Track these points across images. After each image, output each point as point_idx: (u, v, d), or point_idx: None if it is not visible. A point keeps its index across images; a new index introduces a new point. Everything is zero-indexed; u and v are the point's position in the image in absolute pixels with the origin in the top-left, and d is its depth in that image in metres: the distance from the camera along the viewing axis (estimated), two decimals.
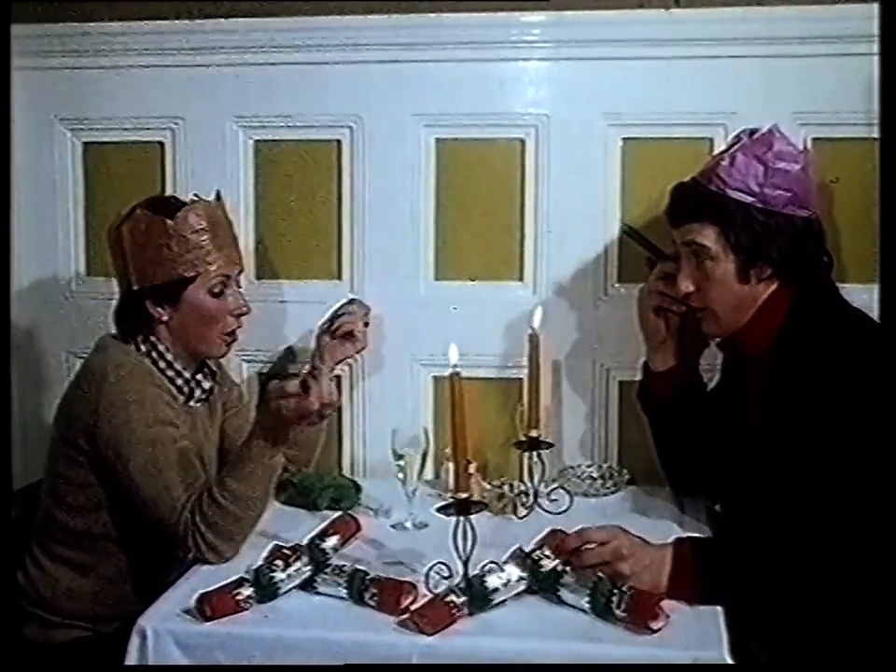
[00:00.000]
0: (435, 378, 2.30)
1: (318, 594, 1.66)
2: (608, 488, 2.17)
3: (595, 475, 2.21)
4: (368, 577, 1.64)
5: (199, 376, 2.03)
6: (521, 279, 2.28)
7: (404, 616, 1.57)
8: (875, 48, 1.91)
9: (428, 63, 2.23)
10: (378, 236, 2.29)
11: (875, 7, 1.85)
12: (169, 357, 1.97)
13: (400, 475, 1.96)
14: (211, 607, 1.58)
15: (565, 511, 1.96)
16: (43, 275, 2.43)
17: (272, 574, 1.64)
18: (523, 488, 2.04)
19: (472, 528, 1.59)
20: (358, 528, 1.88)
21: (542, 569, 1.64)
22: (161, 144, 2.36)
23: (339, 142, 2.30)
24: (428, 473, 2.12)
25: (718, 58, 2.14)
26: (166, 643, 1.57)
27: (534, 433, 1.97)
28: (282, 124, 2.30)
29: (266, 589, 1.63)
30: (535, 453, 2.00)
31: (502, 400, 2.27)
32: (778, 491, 1.73)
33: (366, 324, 2.17)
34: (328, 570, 1.68)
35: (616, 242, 2.23)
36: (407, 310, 2.29)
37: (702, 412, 2.03)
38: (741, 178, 1.78)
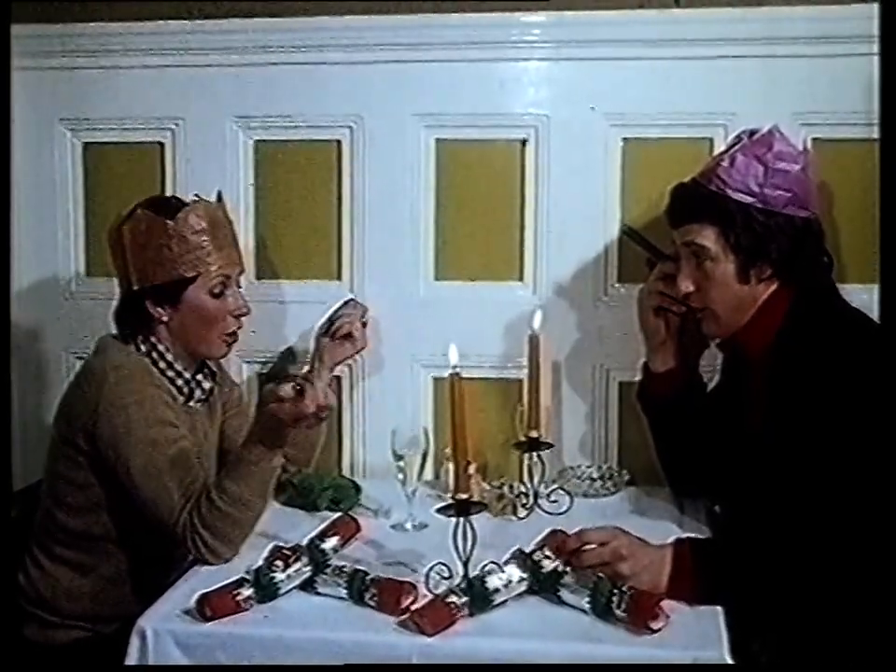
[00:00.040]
0: (435, 378, 2.30)
1: (318, 594, 1.66)
2: (607, 489, 2.17)
3: (594, 476, 2.21)
4: (368, 577, 1.64)
5: (199, 377, 2.03)
6: (521, 279, 2.28)
7: (404, 616, 1.57)
8: (875, 48, 1.91)
9: (429, 64, 2.23)
10: (378, 236, 2.29)
11: (875, 7, 1.86)
12: (169, 357, 1.97)
13: (400, 476, 1.96)
14: (211, 607, 1.58)
15: (565, 511, 1.96)
16: (43, 275, 2.43)
17: (272, 574, 1.64)
18: (523, 489, 2.04)
19: (472, 529, 1.59)
20: (358, 529, 1.88)
21: (543, 570, 1.64)
22: (161, 144, 2.36)
23: (339, 142, 2.30)
24: (428, 474, 2.12)
25: (718, 58, 2.15)
26: (166, 644, 1.57)
27: (534, 434, 1.97)
28: (282, 124, 2.30)
29: (266, 589, 1.63)
30: (535, 453, 2.00)
31: (502, 401, 2.27)
32: (778, 491, 1.73)
33: (364, 324, 2.17)
34: (328, 571, 1.68)
35: (616, 242, 2.23)
36: (407, 310, 2.30)
37: (702, 412, 2.03)
38: (741, 179, 1.78)
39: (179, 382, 1.98)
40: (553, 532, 1.74)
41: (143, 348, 1.96)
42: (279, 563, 1.66)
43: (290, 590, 1.66)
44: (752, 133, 1.83)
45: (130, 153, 2.37)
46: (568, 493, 2.01)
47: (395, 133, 2.26)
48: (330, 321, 2.16)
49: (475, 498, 1.78)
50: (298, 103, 2.29)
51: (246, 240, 2.29)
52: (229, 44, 2.27)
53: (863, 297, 1.98)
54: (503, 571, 1.62)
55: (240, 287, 2.03)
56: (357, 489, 2.12)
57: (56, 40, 2.32)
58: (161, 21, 2.28)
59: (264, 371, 2.37)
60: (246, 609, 1.61)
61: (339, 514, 1.93)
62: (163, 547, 1.88)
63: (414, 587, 1.61)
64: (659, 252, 2.04)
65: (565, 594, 1.62)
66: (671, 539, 1.70)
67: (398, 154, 2.27)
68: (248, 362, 2.37)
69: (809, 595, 1.63)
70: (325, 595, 1.66)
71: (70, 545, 1.96)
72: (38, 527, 2.00)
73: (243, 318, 2.02)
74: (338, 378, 2.29)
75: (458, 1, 2.20)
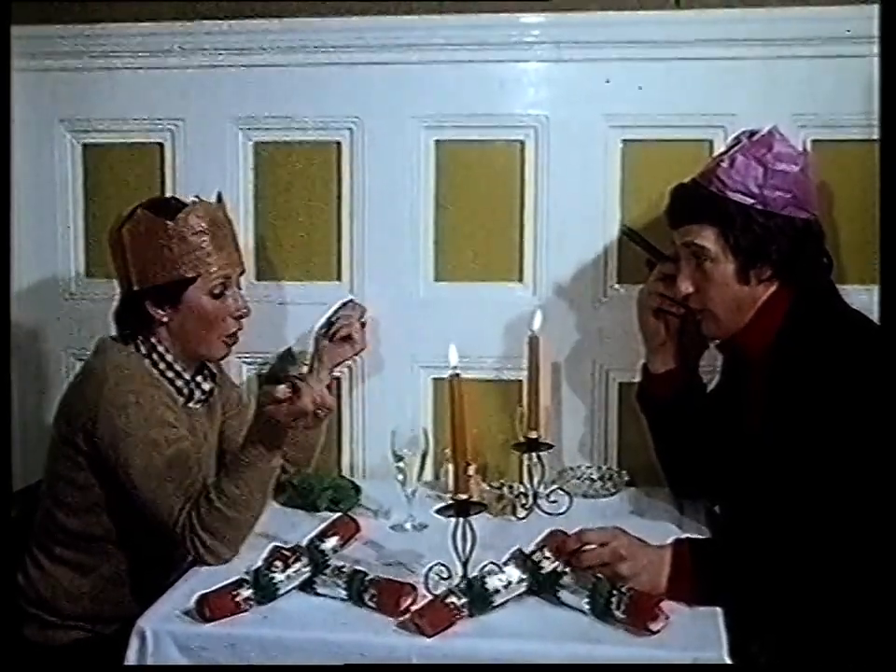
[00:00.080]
0: (434, 379, 2.30)
1: (318, 595, 1.66)
2: (607, 489, 2.17)
3: (594, 476, 2.21)
4: (367, 578, 1.64)
5: (199, 378, 2.03)
6: (520, 280, 2.28)
7: (404, 617, 1.57)
8: (875, 49, 1.91)
9: (428, 65, 2.23)
10: (378, 237, 2.29)
11: (875, 7, 1.86)
12: (169, 358, 1.97)
13: (400, 476, 1.96)
14: (210, 608, 1.58)
15: (564, 512, 1.97)
16: (43, 276, 2.43)
17: (271, 575, 1.64)
18: (522, 489, 2.04)
19: (472, 530, 1.60)
20: (358, 529, 1.88)
21: (542, 571, 1.63)
22: (161, 145, 2.36)
23: (339, 143, 2.30)
24: (428, 475, 2.12)
25: (717, 59, 2.15)
26: (166, 644, 1.57)
27: (533, 434, 1.98)
28: (282, 125, 2.30)
29: (265, 590, 1.63)
30: (534, 454, 2.00)
31: (502, 402, 2.27)
32: (777, 492, 1.73)
33: (363, 325, 2.17)
34: (327, 571, 1.68)
35: (616, 243, 2.23)
36: (406, 311, 2.30)
37: (701, 413, 2.03)
38: (741, 180, 1.78)
39: (179, 383, 1.98)
40: (553, 533, 1.73)
41: (143, 349, 1.96)
42: (278, 563, 1.66)
43: (290, 590, 1.66)
44: (752, 133, 1.83)
45: (130, 153, 2.38)
46: (568, 493, 2.01)
47: (395, 134, 2.26)
48: (329, 323, 2.16)
49: (475, 499, 1.78)
50: (298, 104, 2.29)
51: (246, 240, 2.29)
52: (229, 45, 2.27)
53: (863, 298, 1.98)
54: (503, 572, 1.62)
55: (240, 288, 2.03)
56: (357, 490, 2.12)
57: (56, 41, 2.32)
58: (161, 23, 2.29)
59: (264, 373, 2.37)
60: (246, 610, 1.61)
61: (338, 515, 1.92)
62: (163, 548, 1.88)
63: (414, 588, 1.61)
64: (659, 253, 2.04)
65: (564, 594, 1.62)
66: (670, 540, 1.70)
67: (397, 155, 2.27)
68: (248, 363, 2.37)
69: (808, 595, 1.63)
70: (324, 595, 1.66)
71: (70, 545, 1.96)
72: (38, 528, 2.00)
73: (243, 320, 2.02)
74: (338, 379, 2.29)
75: (458, 1, 2.20)
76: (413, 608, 1.58)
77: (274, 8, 2.25)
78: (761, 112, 2.05)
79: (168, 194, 2.30)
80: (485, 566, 1.62)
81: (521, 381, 2.14)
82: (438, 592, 1.60)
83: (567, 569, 1.63)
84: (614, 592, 1.57)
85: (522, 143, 2.24)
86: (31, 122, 2.36)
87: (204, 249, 1.93)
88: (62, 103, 2.37)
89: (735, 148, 1.82)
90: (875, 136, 1.98)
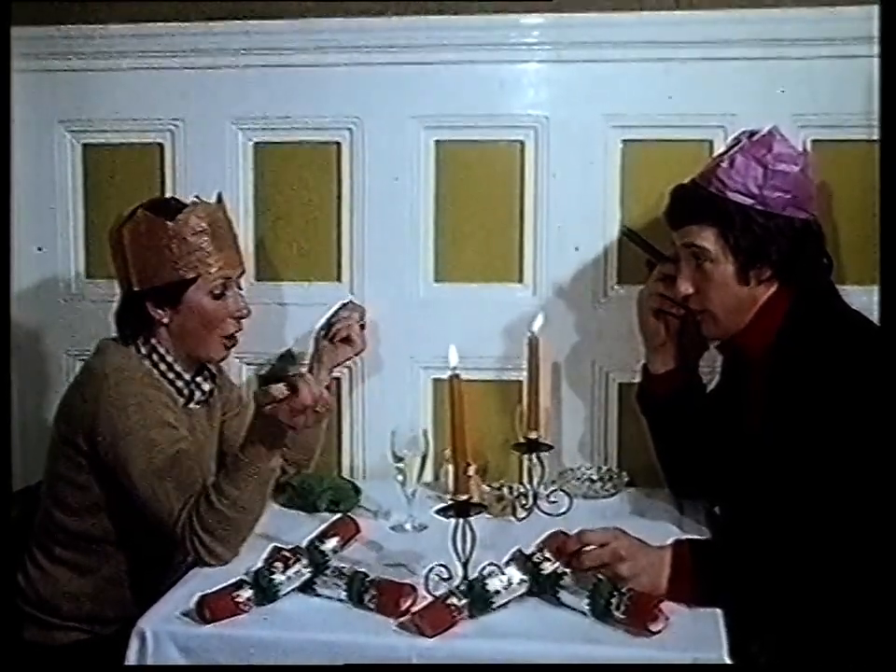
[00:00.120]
0: (434, 380, 2.30)
1: (318, 596, 1.66)
2: (607, 490, 2.17)
3: (594, 477, 2.21)
4: (367, 579, 1.64)
5: (199, 378, 2.03)
6: (520, 281, 2.28)
7: (404, 618, 1.57)
8: (875, 49, 1.91)
9: (428, 65, 2.23)
10: (378, 238, 2.29)
11: (875, 8, 1.86)
12: (169, 359, 1.97)
13: (400, 477, 1.96)
14: (210, 609, 1.58)
15: (564, 512, 1.96)
16: (43, 277, 2.43)
17: (271, 576, 1.64)
18: (522, 490, 2.04)
19: (472, 530, 1.59)
20: (358, 530, 1.88)
21: (542, 572, 1.63)
22: (161, 145, 2.36)
23: (338, 144, 2.30)
24: (428, 475, 2.12)
25: (717, 60, 2.15)
26: (166, 645, 1.56)
27: (533, 435, 1.97)
28: (281, 126, 2.30)
29: (266, 591, 1.63)
30: (534, 455, 2.00)
31: (502, 402, 2.27)
32: (777, 493, 1.73)
33: (362, 326, 2.17)
34: (327, 572, 1.67)
35: (616, 243, 2.23)
36: (406, 311, 2.30)
37: (701, 414, 2.03)
38: (741, 180, 1.78)
39: (179, 383, 1.98)
40: (553, 533, 1.73)
41: (143, 350, 1.96)
42: (279, 564, 1.66)
43: (290, 591, 1.66)
44: (752, 134, 1.83)
45: (130, 154, 2.37)
46: (568, 494, 2.01)
47: (394, 135, 2.26)
48: (329, 324, 2.16)
49: (475, 500, 1.78)
50: (297, 104, 2.29)
51: (246, 241, 2.29)
52: (228, 45, 2.27)
53: (863, 298, 1.98)
54: (503, 573, 1.61)
55: (240, 289, 2.03)
56: (357, 490, 2.12)
57: (56, 42, 2.32)
58: (160, 23, 2.28)
59: (263, 373, 2.36)
60: (246, 611, 1.61)
61: (338, 515, 1.93)
62: (163, 548, 1.88)
63: (414, 589, 1.61)
64: (658, 253, 2.04)
65: (564, 595, 1.62)
66: (670, 541, 1.70)
67: (397, 155, 2.27)
68: (248, 364, 2.37)
69: (808, 596, 1.63)
70: (324, 596, 1.66)
71: (70, 546, 1.96)
72: (38, 528, 2.00)
73: (243, 321, 2.02)
74: (337, 379, 2.29)
75: (458, 2, 2.20)
76: (414, 609, 1.58)
77: (275, 9, 2.24)
78: (761, 112, 2.05)
79: (168, 194, 2.30)
80: (486, 567, 1.62)
81: (521, 381, 2.14)
82: (438, 593, 1.60)
83: (568, 570, 1.63)
84: (614, 593, 1.56)
85: (522, 143, 2.24)
86: (31, 122, 2.36)
87: (204, 250, 1.93)
88: (62, 103, 2.36)
89: (735, 149, 1.82)
90: (876, 136, 1.98)
